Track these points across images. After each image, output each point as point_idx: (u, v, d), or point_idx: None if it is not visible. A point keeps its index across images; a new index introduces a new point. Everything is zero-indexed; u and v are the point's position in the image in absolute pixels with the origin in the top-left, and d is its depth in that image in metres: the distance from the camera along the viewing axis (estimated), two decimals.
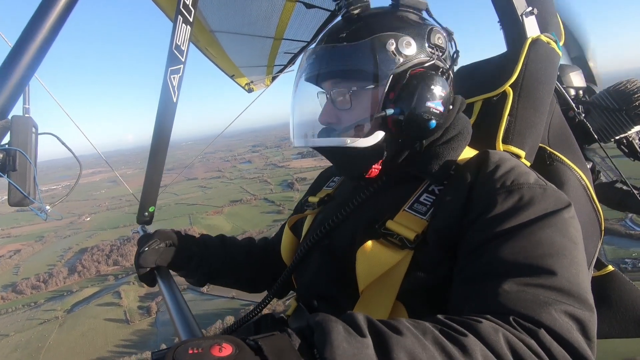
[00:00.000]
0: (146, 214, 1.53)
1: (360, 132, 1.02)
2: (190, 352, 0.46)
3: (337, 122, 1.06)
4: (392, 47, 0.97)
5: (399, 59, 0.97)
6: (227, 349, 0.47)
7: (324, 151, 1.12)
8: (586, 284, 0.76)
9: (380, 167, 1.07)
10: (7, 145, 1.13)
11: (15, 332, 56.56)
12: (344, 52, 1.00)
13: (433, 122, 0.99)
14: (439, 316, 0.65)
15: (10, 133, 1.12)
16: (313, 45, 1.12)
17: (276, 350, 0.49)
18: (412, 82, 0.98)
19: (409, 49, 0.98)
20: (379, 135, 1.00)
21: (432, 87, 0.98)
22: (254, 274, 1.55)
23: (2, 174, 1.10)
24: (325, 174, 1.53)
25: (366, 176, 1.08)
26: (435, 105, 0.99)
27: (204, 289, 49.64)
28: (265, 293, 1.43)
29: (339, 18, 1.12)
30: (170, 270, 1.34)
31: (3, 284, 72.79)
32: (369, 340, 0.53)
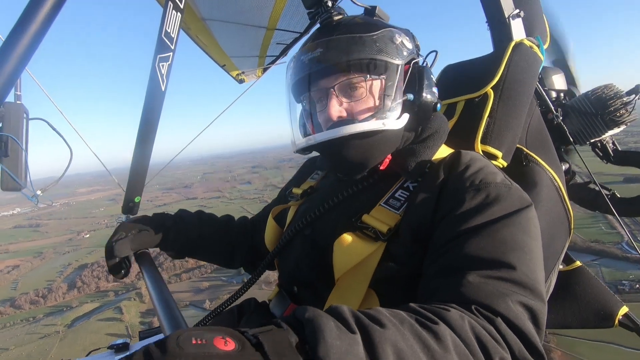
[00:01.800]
0: (131, 204, 1.51)
1: (392, 116, 1.05)
2: (194, 342, 0.44)
3: (349, 115, 1.06)
4: (398, 41, 1.05)
5: (404, 51, 1.06)
6: (231, 344, 0.46)
7: (335, 146, 1.06)
8: (541, 277, 0.83)
9: (391, 157, 1.12)
10: None
11: (15, 346, 56.09)
12: (357, 43, 1.02)
13: (439, 105, 1.10)
14: (412, 305, 0.70)
15: (1, 120, 1.13)
16: (303, 46, 1.13)
17: (277, 348, 0.49)
18: (415, 72, 1.08)
19: (409, 44, 1.09)
20: (406, 116, 1.06)
21: (431, 75, 1.11)
22: (231, 248, 1.61)
23: None
24: (308, 165, 1.57)
25: (380, 168, 1.11)
26: (436, 90, 1.11)
27: (207, 305, 49.71)
28: (240, 272, 1.47)
29: (317, 26, 1.17)
30: (150, 249, 1.41)
31: (1, 299, 72.14)
32: (358, 337, 0.54)
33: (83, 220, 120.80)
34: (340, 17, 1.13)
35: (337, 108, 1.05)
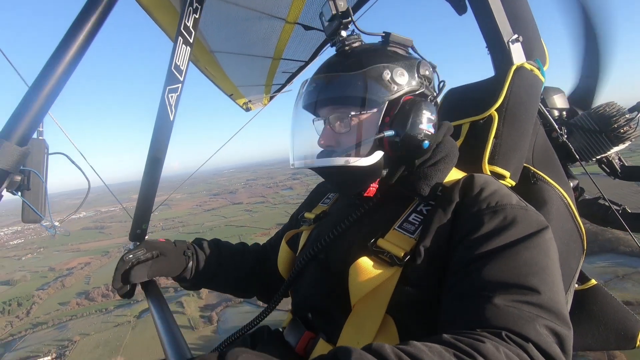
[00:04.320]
0: (139, 231, 1.43)
1: (360, 153, 0.99)
2: None
3: (336, 145, 1.03)
4: (388, 77, 0.97)
5: (393, 87, 0.98)
6: None
7: (324, 172, 1.10)
8: (563, 300, 0.76)
9: (377, 185, 1.05)
10: (22, 166, 1.12)
11: (94, 332, 59.10)
12: (344, 80, 0.99)
13: (426, 143, 0.99)
14: (445, 336, 0.64)
15: (27, 156, 1.11)
16: (311, 76, 1.10)
17: None
18: (405, 107, 0.98)
19: (402, 79, 0.99)
20: (378, 154, 0.98)
21: (424, 111, 0.99)
22: (247, 278, 1.47)
23: (15, 193, 1.07)
24: (320, 189, 1.46)
25: (364, 194, 1.05)
26: (427, 127, 0.99)
27: (259, 302, 51.73)
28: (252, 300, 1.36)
29: (334, 53, 1.12)
30: (164, 277, 1.28)
31: (77, 292, 76.02)
32: None
33: None
34: (357, 44, 1.07)
35: (326, 136, 1.03)
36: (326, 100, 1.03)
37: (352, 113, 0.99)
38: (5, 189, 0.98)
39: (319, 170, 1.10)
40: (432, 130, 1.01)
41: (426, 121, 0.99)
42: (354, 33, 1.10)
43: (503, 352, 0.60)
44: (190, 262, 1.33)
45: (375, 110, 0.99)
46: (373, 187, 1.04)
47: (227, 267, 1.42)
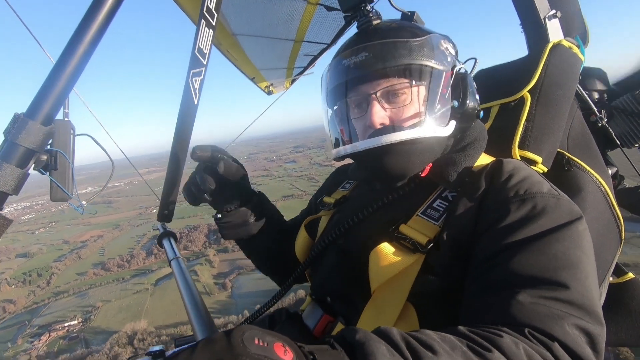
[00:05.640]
0: (166, 212, 1.42)
1: (438, 123, 0.89)
2: (256, 342, 0.39)
3: (391, 122, 0.89)
4: (444, 47, 0.90)
5: (449, 57, 0.91)
6: (289, 354, 0.41)
7: (376, 154, 0.89)
8: (597, 296, 0.68)
9: (431, 164, 0.94)
10: (49, 147, 1.09)
11: (115, 299, 61.34)
12: (404, 47, 0.86)
13: (482, 113, 0.96)
14: (461, 328, 0.59)
15: (52, 136, 1.09)
16: (335, 58, 0.97)
17: None
18: (459, 79, 0.91)
19: (453, 50, 0.93)
20: (453, 124, 0.90)
21: (474, 83, 0.93)
22: (282, 247, 1.31)
23: (44, 172, 1.06)
24: (339, 174, 1.34)
25: (422, 175, 0.94)
26: (478, 98, 0.94)
27: None
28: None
29: (356, 31, 1.01)
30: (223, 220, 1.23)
31: (93, 263, 78.55)
32: None
33: (147, 198, 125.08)
34: (378, 21, 0.97)
35: (379, 115, 0.88)
36: (378, 72, 0.88)
37: (413, 82, 0.87)
38: (32, 168, 0.97)
39: (370, 155, 0.90)
40: (479, 101, 0.95)
41: (475, 92, 0.93)
42: (374, 11, 1.00)
43: (522, 348, 0.55)
44: (254, 198, 1.23)
45: (437, 80, 0.89)
46: (428, 166, 0.94)
47: (276, 227, 1.29)
